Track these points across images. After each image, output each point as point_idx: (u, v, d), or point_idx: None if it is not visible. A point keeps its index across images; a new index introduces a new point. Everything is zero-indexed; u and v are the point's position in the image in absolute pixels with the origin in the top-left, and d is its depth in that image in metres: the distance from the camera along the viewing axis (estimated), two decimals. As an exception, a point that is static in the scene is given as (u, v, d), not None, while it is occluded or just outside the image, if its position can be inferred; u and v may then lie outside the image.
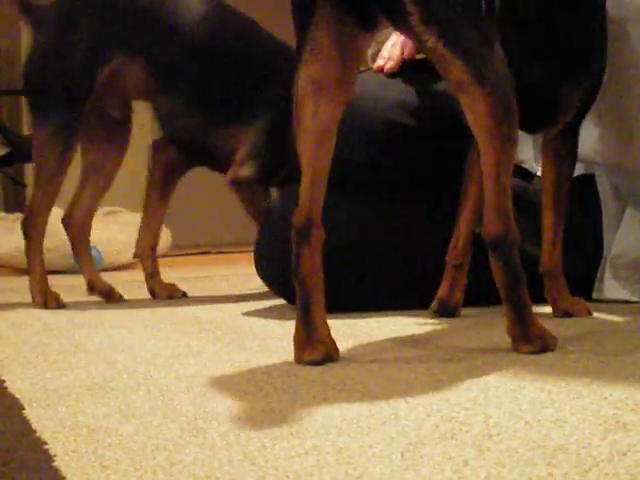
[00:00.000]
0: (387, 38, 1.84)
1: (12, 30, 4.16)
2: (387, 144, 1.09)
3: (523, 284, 0.68)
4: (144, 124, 4.19)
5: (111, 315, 1.18)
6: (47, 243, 2.73)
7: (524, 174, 1.10)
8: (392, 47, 1.17)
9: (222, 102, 1.28)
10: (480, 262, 1.06)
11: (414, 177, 1.11)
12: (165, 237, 2.73)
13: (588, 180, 1.05)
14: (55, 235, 2.68)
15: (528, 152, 1.10)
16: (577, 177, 1.06)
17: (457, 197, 1.10)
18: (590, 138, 1.01)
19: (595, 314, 0.93)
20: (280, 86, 1.18)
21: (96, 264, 2.61)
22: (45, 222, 1.38)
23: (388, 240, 1.09)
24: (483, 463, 0.39)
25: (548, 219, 0.92)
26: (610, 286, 1.03)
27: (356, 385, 0.60)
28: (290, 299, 1.17)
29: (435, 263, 1.08)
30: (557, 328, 0.84)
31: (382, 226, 1.09)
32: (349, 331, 0.89)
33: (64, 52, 1.28)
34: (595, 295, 1.04)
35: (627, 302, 1.02)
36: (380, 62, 1.16)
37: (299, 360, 0.69)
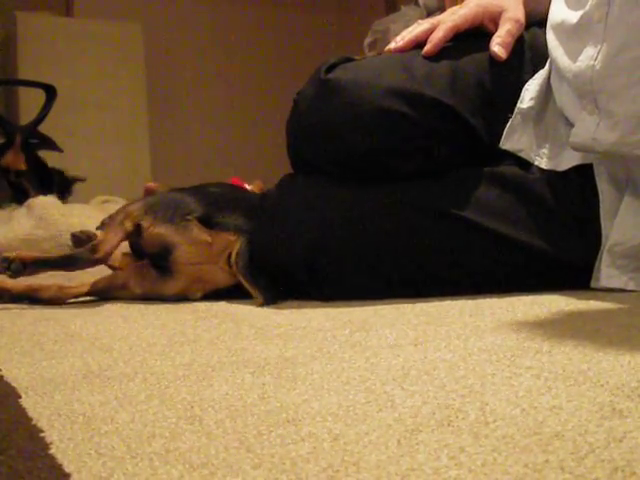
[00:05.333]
0: (384, 28, 1.83)
1: (8, 19, 4.15)
2: (382, 131, 1.09)
3: None
4: (143, 119, 4.14)
5: (107, 304, 1.18)
6: (43, 232, 2.75)
7: (522, 163, 1.10)
8: (407, 32, 1.19)
9: None
10: (475, 252, 1.08)
11: (411, 165, 1.11)
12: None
13: (586, 170, 1.05)
14: (51, 225, 2.69)
15: (527, 141, 1.09)
16: (575, 167, 1.06)
17: (456, 184, 1.10)
18: (587, 126, 1.01)
19: (592, 302, 0.93)
20: None
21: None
22: None
23: (387, 229, 1.08)
24: (479, 450, 0.39)
25: None
26: (606, 274, 1.03)
27: (352, 373, 0.60)
28: (290, 287, 1.17)
29: (433, 250, 1.09)
30: (553, 316, 0.84)
31: (380, 215, 1.09)
32: (346, 319, 0.89)
33: None
34: (593, 284, 1.04)
35: (623, 291, 1.02)
36: (392, 44, 1.17)
37: None
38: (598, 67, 0.98)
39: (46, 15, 4.26)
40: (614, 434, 0.41)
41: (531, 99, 1.10)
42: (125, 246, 1.48)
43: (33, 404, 0.54)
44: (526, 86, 1.11)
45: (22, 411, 0.52)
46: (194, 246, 1.16)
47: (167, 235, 1.16)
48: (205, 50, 4.88)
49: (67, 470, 0.39)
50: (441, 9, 3.36)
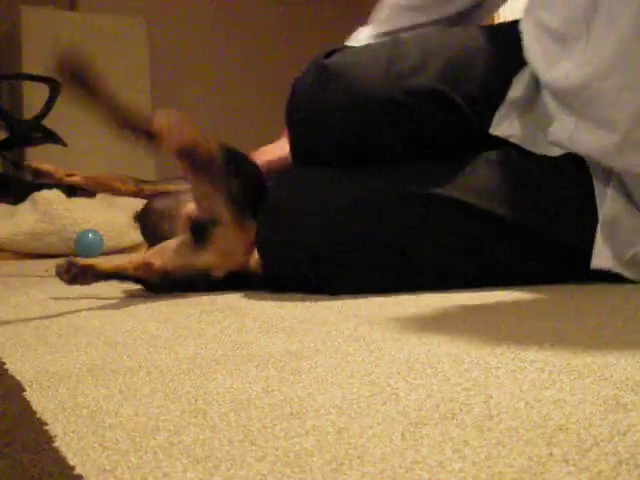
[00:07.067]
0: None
1: (12, 13, 4.15)
2: (377, 116, 1.10)
3: None
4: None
5: (111, 298, 1.18)
6: (47, 227, 2.75)
7: (519, 149, 1.10)
8: None
9: None
10: (479, 246, 1.08)
11: (405, 150, 1.12)
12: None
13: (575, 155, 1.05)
14: (56, 219, 2.69)
15: (517, 128, 1.10)
16: (568, 154, 1.06)
17: (459, 171, 1.10)
18: (564, 126, 1.02)
19: (597, 296, 0.93)
20: None
21: (97, 247, 2.62)
22: None
23: (390, 220, 1.08)
24: (483, 443, 0.39)
25: None
26: (597, 254, 1.03)
27: (356, 366, 0.60)
28: (294, 282, 1.17)
29: (439, 239, 1.08)
30: (557, 309, 0.84)
31: (383, 205, 1.09)
32: (351, 312, 0.89)
33: None
34: (592, 264, 1.04)
35: (627, 282, 1.02)
36: None
37: None
38: (571, 79, 1.00)
39: (50, 9, 4.26)
40: (618, 427, 0.41)
41: (522, 88, 1.11)
42: None
43: (37, 397, 0.54)
44: (518, 75, 1.12)
45: (26, 404, 0.52)
46: (237, 229, 1.18)
47: (223, 210, 1.19)
48: (209, 44, 4.88)
49: (71, 463, 0.39)
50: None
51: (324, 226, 1.09)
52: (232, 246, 1.20)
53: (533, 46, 1.09)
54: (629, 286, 1.01)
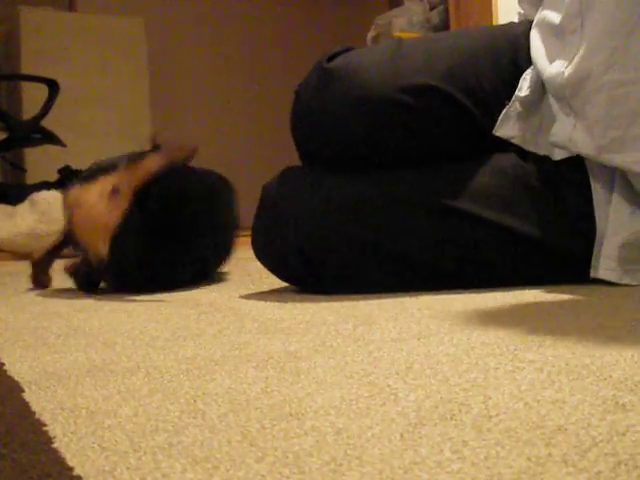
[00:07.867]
0: (387, 22, 1.81)
1: (10, 14, 4.15)
2: (381, 118, 1.10)
3: None
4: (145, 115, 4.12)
5: (110, 299, 1.18)
6: (47, 227, 2.75)
7: (522, 152, 1.09)
8: None
9: None
10: (475, 248, 1.07)
11: (411, 152, 1.11)
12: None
13: (576, 160, 1.05)
14: (54, 220, 2.69)
15: (521, 129, 1.09)
16: (566, 159, 1.06)
17: (455, 177, 1.09)
18: (564, 126, 1.02)
19: (596, 296, 0.93)
20: None
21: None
22: None
23: (380, 222, 1.08)
24: (482, 443, 0.39)
25: None
26: (604, 266, 1.03)
27: (355, 367, 0.60)
28: (289, 280, 1.17)
29: (429, 243, 1.08)
30: (556, 310, 0.84)
31: (375, 208, 1.09)
32: (349, 313, 0.89)
33: None
34: (592, 273, 1.04)
35: (626, 284, 1.02)
36: None
37: None
38: (567, 74, 1.00)
39: (49, 10, 4.25)
40: (617, 428, 0.41)
41: (528, 88, 1.10)
42: None
43: (36, 398, 0.54)
44: (524, 75, 1.11)
45: (25, 405, 0.52)
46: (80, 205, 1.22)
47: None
48: (208, 45, 4.88)
49: (70, 464, 0.39)
50: (444, 4, 3.35)
51: (314, 226, 1.09)
52: (91, 222, 1.20)
53: (537, 44, 1.09)
54: (628, 287, 1.01)
